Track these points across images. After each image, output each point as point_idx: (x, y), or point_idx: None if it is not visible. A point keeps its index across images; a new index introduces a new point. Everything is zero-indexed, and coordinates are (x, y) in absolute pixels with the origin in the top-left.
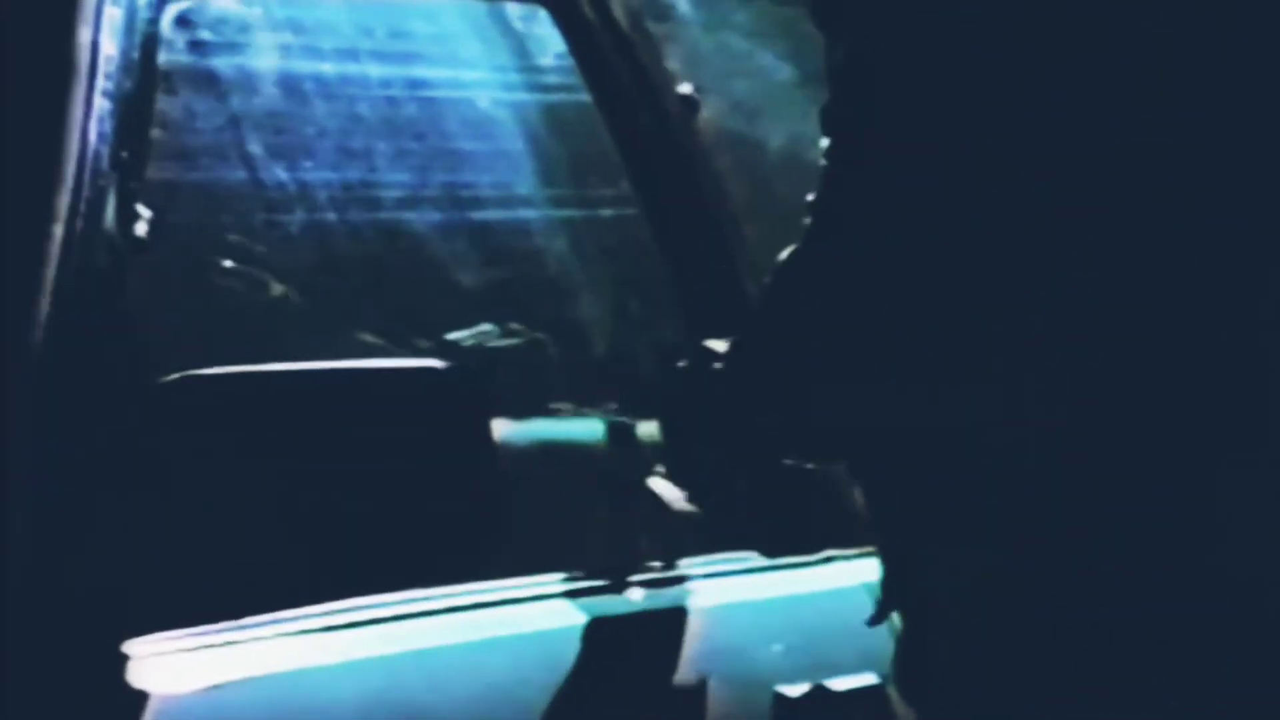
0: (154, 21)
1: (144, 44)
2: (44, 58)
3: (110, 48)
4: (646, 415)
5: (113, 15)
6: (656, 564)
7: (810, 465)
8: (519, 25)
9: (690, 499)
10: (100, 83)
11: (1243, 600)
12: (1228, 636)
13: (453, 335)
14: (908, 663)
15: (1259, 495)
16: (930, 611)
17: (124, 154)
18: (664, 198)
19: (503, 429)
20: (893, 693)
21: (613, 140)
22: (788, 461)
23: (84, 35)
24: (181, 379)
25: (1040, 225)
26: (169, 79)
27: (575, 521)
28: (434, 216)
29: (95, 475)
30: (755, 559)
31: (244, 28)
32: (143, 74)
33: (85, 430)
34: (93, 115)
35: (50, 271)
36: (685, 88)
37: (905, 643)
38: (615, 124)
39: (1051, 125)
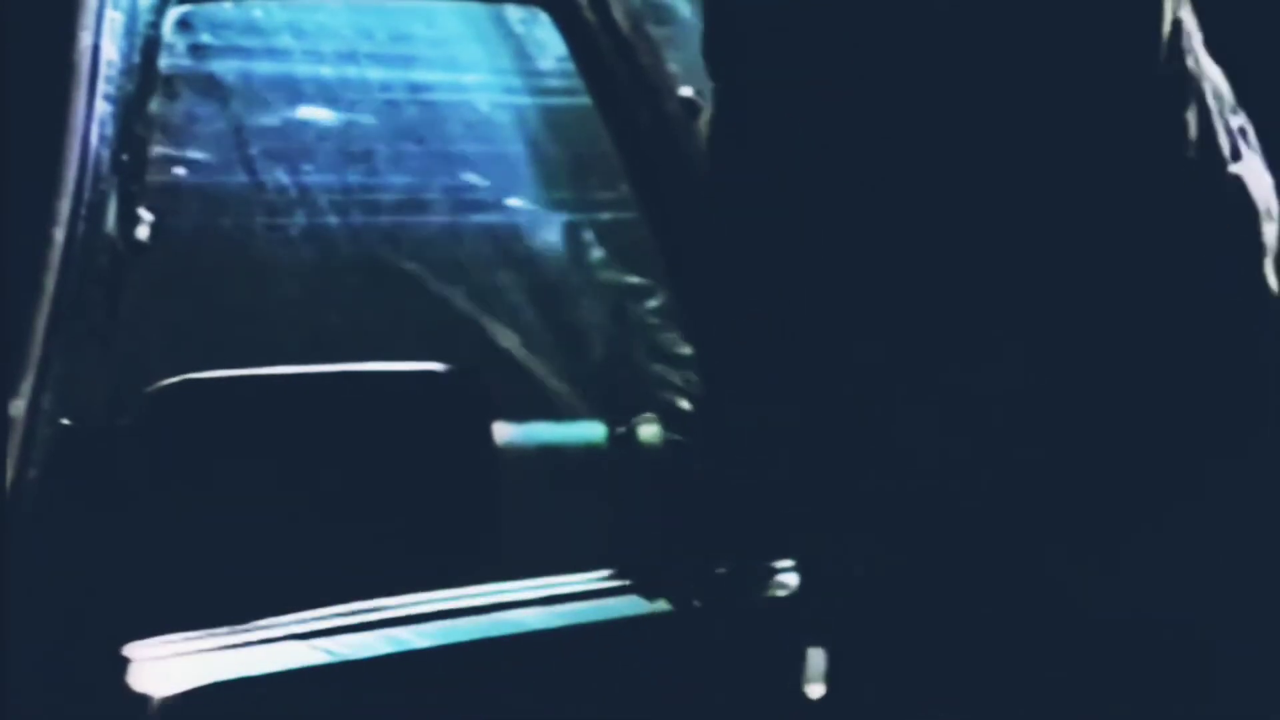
0: (155, 25)
1: (145, 48)
2: (45, 61)
3: (111, 52)
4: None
5: (114, 19)
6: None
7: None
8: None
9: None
10: (101, 87)
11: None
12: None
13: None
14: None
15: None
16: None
17: (124, 157)
18: (665, 200)
19: (504, 431)
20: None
21: (613, 143)
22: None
23: (85, 39)
24: (180, 382)
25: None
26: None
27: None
28: (434, 220)
29: (94, 480)
30: None
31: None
32: (143, 78)
33: (84, 434)
34: (94, 119)
35: (51, 276)
36: (687, 91)
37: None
38: (616, 127)
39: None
